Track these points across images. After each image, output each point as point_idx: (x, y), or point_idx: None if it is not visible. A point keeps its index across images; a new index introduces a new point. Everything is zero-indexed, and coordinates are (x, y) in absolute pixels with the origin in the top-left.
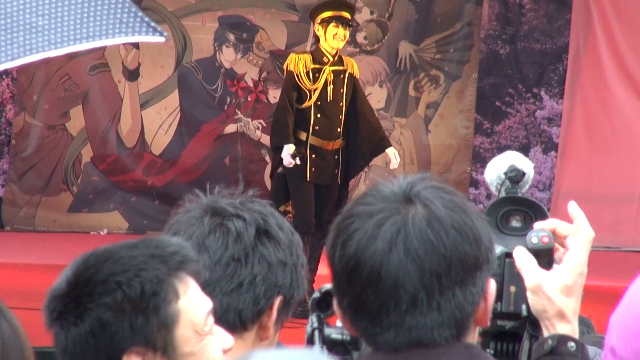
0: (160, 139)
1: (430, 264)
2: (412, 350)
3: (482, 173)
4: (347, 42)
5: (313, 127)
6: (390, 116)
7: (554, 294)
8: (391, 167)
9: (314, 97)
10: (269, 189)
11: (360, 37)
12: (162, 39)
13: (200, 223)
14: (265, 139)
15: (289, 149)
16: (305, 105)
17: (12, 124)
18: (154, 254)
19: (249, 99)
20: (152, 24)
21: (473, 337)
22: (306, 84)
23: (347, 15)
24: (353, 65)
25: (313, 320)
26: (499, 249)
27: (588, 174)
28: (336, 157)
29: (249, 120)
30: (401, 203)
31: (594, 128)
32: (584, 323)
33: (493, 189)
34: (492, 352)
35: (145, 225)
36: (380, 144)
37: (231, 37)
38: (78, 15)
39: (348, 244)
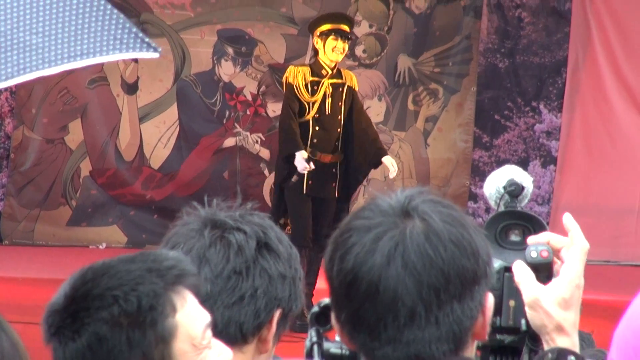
0: (159, 152)
1: (428, 278)
2: None
3: (481, 187)
4: (346, 55)
5: (311, 140)
6: (389, 130)
7: (552, 308)
8: (390, 176)
9: (313, 111)
10: (269, 202)
11: (359, 51)
12: (156, 55)
13: (201, 236)
14: (265, 153)
15: (302, 155)
16: (304, 119)
17: (10, 137)
18: (151, 268)
19: (248, 112)
20: (147, 39)
21: (471, 351)
22: (305, 96)
23: (346, 28)
24: (352, 78)
25: (312, 334)
26: (498, 263)
27: (587, 188)
28: (334, 170)
29: (248, 134)
30: (399, 217)
31: (593, 142)
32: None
33: (492, 203)
34: None
35: (144, 239)
36: (377, 154)
37: (230, 50)
38: (72, 32)
39: (346, 258)
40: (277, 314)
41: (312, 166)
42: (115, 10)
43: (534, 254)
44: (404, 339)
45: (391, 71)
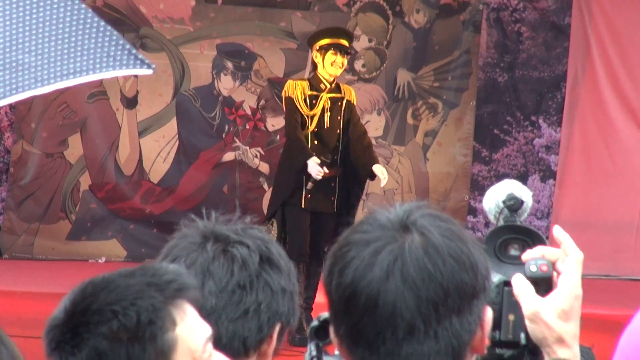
0: (158, 166)
1: (427, 292)
2: None
3: (481, 201)
4: (345, 69)
5: None
6: (389, 144)
7: (552, 320)
8: (381, 184)
9: (312, 125)
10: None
11: (358, 65)
12: (149, 71)
13: (203, 249)
14: (264, 167)
15: (314, 161)
16: (304, 133)
17: (10, 152)
18: (150, 283)
19: (247, 126)
20: (140, 56)
21: None
22: (304, 110)
23: (345, 42)
24: (351, 93)
25: (311, 348)
26: (497, 278)
27: (586, 202)
28: (332, 184)
29: (247, 148)
30: (398, 231)
31: (592, 156)
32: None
33: (491, 218)
34: None
35: (143, 253)
36: (368, 163)
37: (229, 64)
38: (65, 50)
39: (345, 272)
40: (277, 328)
41: (326, 170)
42: (109, 27)
43: (533, 268)
44: (402, 353)
45: (390, 85)
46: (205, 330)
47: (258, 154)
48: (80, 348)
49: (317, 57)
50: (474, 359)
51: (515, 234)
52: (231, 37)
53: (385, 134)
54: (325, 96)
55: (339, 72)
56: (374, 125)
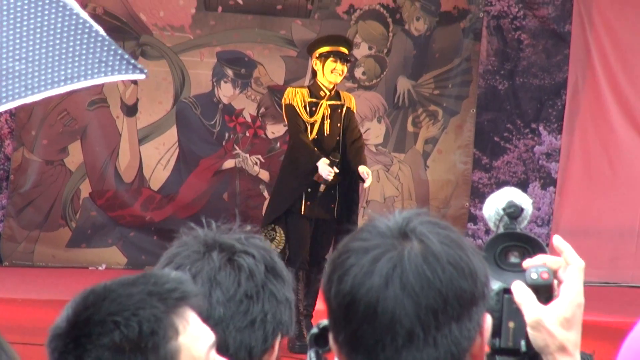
0: (158, 174)
1: (426, 300)
2: None
3: (481, 208)
4: (345, 77)
5: None
6: (389, 152)
7: (555, 328)
8: (364, 185)
9: (313, 133)
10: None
11: (358, 73)
12: (142, 76)
13: (209, 258)
14: (264, 174)
15: (324, 162)
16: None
17: (10, 159)
18: (152, 292)
19: (247, 134)
20: (132, 61)
21: None
22: (304, 117)
23: (345, 50)
24: (351, 100)
25: (311, 355)
26: (497, 285)
27: (587, 210)
28: (332, 191)
29: (247, 155)
30: (397, 239)
31: (592, 163)
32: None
33: (491, 225)
34: None
35: (143, 260)
36: (356, 165)
37: (229, 72)
38: (56, 57)
39: (344, 280)
40: (278, 339)
41: (336, 169)
42: (101, 33)
43: (534, 276)
44: None
45: (391, 93)
46: (208, 337)
47: (258, 162)
48: (83, 359)
49: (316, 64)
50: None
51: (515, 242)
52: (231, 45)
53: (386, 141)
54: (325, 103)
55: (338, 79)
56: (374, 132)
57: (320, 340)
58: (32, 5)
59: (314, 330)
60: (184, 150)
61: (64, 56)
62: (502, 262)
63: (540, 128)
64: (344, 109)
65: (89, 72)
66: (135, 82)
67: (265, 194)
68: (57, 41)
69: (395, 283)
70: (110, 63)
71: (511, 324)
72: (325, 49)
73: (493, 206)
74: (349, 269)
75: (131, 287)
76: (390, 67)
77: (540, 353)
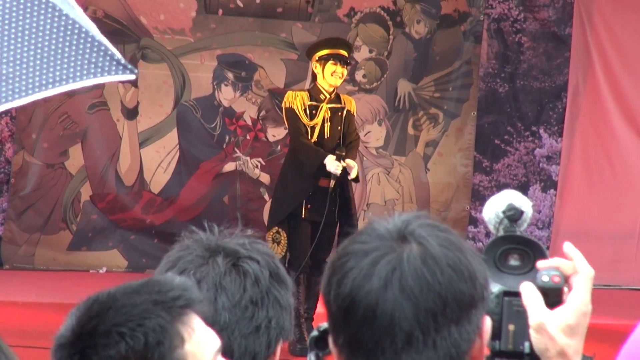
0: (159, 177)
1: (425, 302)
2: None
3: (481, 211)
4: (346, 80)
5: None
6: (389, 154)
7: (557, 333)
8: (350, 176)
9: (313, 136)
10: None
11: (359, 76)
12: (132, 77)
13: (214, 263)
14: (265, 178)
15: (331, 158)
16: None
17: (11, 162)
18: (156, 301)
19: (248, 137)
20: (123, 61)
21: None
22: (304, 120)
23: (344, 53)
24: (351, 103)
25: (311, 358)
26: (497, 288)
27: (587, 212)
28: (333, 194)
29: (248, 158)
30: (396, 241)
31: (593, 166)
32: None
33: (491, 228)
34: None
35: (144, 263)
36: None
37: (230, 75)
38: (45, 59)
39: (343, 283)
40: (280, 344)
41: (344, 163)
42: (91, 33)
43: (545, 279)
44: None
45: (391, 96)
46: (214, 342)
47: (259, 165)
48: None
49: (316, 67)
50: None
51: (515, 244)
52: (232, 48)
53: (386, 144)
54: (325, 106)
55: (339, 82)
56: (374, 135)
57: (320, 342)
58: (21, 7)
59: (314, 333)
60: (185, 154)
61: (52, 58)
62: (502, 265)
63: (541, 131)
64: (344, 112)
65: (78, 74)
66: (135, 85)
67: (266, 197)
68: (46, 43)
69: (395, 286)
70: (100, 64)
71: (511, 327)
72: (324, 51)
73: (493, 209)
74: (348, 272)
75: (135, 296)
76: (391, 70)
77: (540, 356)
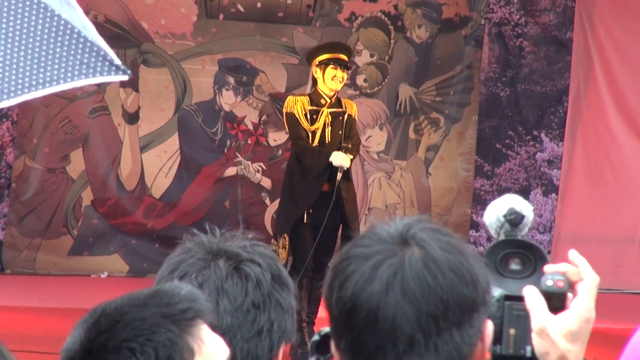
0: (160, 182)
1: (427, 306)
2: None
3: (483, 216)
4: (347, 84)
5: None
6: (391, 159)
7: (558, 338)
8: (344, 165)
9: (315, 141)
10: (270, 231)
11: (360, 80)
12: (125, 77)
13: (216, 267)
14: (266, 182)
15: (336, 153)
16: None
17: (12, 167)
18: (165, 314)
19: (249, 141)
20: (115, 62)
21: None
22: (305, 125)
23: (344, 57)
24: (352, 107)
25: None
26: (498, 292)
27: (589, 216)
28: (334, 198)
29: (249, 163)
30: (398, 245)
31: (594, 170)
32: None
33: (492, 232)
34: None
35: (145, 268)
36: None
37: (231, 80)
38: (35, 60)
39: (345, 286)
40: (282, 347)
41: (351, 155)
42: (83, 34)
43: (549, 283)
44: None
45: (392, 100)
46: (223, 352)
47: (260, 169)
48: None
49: (316, 72)
50: None
51: (516, 249)
52: (233, 52)
53: (387, 148)
54: (326, 111)
55: (339, 86)
56: (376, 140)
57: (321, 347)
58: (12, 7)
59: (315, 337)
60: (186, 158)
61: (43, 59)
62: (502, 269)
63: (542, 135)
64: (345, 116)
65: (69, 74)
66: (137, 89)
67: (267, 201)
68: (37, 44)
69: (396, 289)
70: (92, 65)
71: (512, 331)
72: (324, 56)
73: (494, 213)
74: (350, 276)
75: (144, 310)
76: (392, 74)
77: None
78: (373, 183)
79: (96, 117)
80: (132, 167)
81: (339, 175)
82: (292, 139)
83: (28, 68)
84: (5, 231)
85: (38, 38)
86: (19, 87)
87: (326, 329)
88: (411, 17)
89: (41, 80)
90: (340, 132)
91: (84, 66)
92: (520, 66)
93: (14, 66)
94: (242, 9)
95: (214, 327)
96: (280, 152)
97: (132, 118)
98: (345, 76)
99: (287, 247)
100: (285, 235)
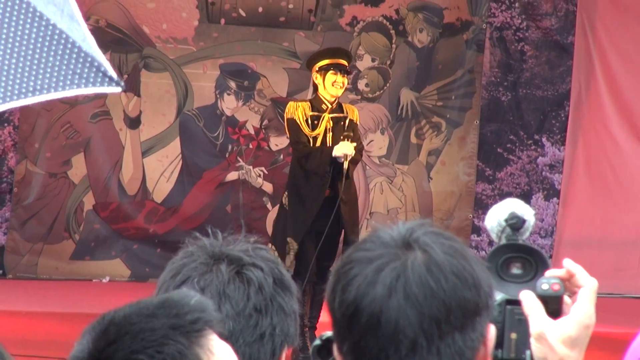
0: (161, 186)
1: (429, 309)
2: None
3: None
4: (348, 89)
5: None
6: (392, 163)
7: (557, 343)
8: (347, 154)
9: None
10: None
11: (361, 85)
12: (118, 89)
13: (218, 271)
14: (267, 187)
15: (338, 146)
16: None
17: (14, 172)
18: (174, 325)
19: (251, 146)
20: (109, 73)
21: None
22: (305, 130)
23: (344, 62)
24: (354, 112)
25: None
26: (499, 296)
27: (590, 221)
28: (336, 203)
29: (251, 167)
30: (400, 249)
31: (596, 175)
32: None
33: (494, 236)
34: None
35: (147, 272)
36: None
37: (232, 84)
38: (26, 67)
39: (347, 290)
40: (285, 351)
41: (354, 143)
42: (77, 44)
43: (545, 287)
44: None
45: (394, 105)
46: None
47: (261, 174)
48: None
49: (317, 78)
50: None
51: (517, 253)
52: (234, 57)
53: (389, 153)
54: (327, 116)
55: (339, 92)
56: (377, 144)
57: (322, 351)
58: (7, 15)
59: (317, 341)
60: (187, 163)
61: (34, 67)
62: (504, 274)
63: (544, 139)
64: (347, 121)
65: (60, 83)
66: (138, 94)
67: (269, 206)
68: (29, 52)
69: (399, 293)
70: (85, 75)
71: (513, 335)
72: (324, 62)
73: (495, 217)
74: (352, 279)
75: (153, 320)
76: (394, 78)
77: None
78: (375, 187)
79: (98, 121)
80: (134, 172)
81: (345, 164)
82: (293, 145)
83: (18, 75)
84: (7, 236)
85: (31, 46)
86: (8, 93)
87: (328, 333)
88: (412, 22)
89: (31, 88)
90: (341, 137)
91: (76, 76)
92: (521, 70)
93: (4, 72)
94: (243, 14)
95: (221, 336)
96: (281, 156)
97: (134, 123)
98: (346, 81)
99: (296, 252)
100: (292, 240)
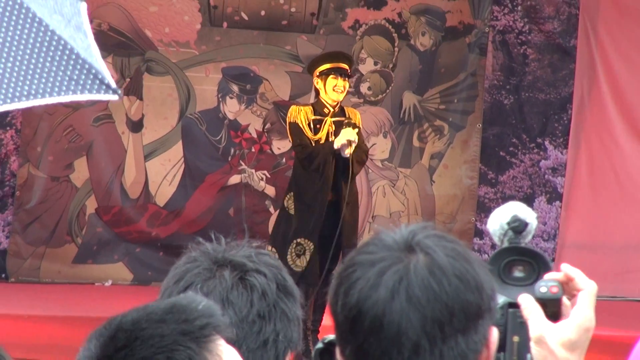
0: (164, 190)
1: (432, 312)
2: None
3: (487, 223)
4: (351, 92)
5: None
6: (395, 167)
7: (556, 347)
8: (348, 141)
9: None
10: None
11: (364, 88)
12: (115, 97)
13: (221, 277)
14: (270, 190)
15: (338, 138)
16: None
17: (16, 175)
18: (184, 331)
19: (253, 149)
20: (106, 80)
21: None
22: (308, 134)
23: (345, 66)
24: (356, 115)
25: None
26: (502, 299)
27: (593, 224)
28: (338, 207)
29: (253, 171)
30: (403, 252)
31: (598, 178)
32: None
33: (496, 240)
34: None
35: (149, 276)
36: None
37: (235, 88)
38: (22, 71)
39: (350, 293)
40: (288, 357)
41: (356, 128)
42: (76, 51)
43: (543, 289)
44: None
45: (396, 108)
46: None
47: (264, 177)
48: None
49: (318, 83)
50: None
51: (519, 256)
52: (236, 61)
53: (392, 156)
54: (329, 120)
55: (341, 97)
56: (380, 147)
57: (325, 355)
58: (5, 19)
59: (319, 345)
60: (190, 166)
61: (30, 72)
62: (506, 277)
63: (546, 142)
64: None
65: (56, 89)
66: (140, 98)
67: (271, 209)
68: (26, 55)
69: (402, 295)
70: (82, 82)
71: (515, 338)
72: (325, 66)
73: (497, 220)
74: (355, 282)
75: (162, 326)
76: (396, 82)
77: None
78: (377, 191)
79: (100, 125)
80: (136, 176)
81: (350, 149)
82: (295, 148)
83: (13, 79)
84: (10, 239)
85: (28, 51)
86: (1, 97)
87: (330, 336)
88: (415, 25)
89: (25, 92)
90: (343, 125)
91: (73, 82)
92: (524, 74)
93: (0, 77)
94: (245, 17)
95: (229, 340)
96: (284, 160)
97: (136, 126)
98: (347, 85)
99: (312, 251)
100: (305, 241)
